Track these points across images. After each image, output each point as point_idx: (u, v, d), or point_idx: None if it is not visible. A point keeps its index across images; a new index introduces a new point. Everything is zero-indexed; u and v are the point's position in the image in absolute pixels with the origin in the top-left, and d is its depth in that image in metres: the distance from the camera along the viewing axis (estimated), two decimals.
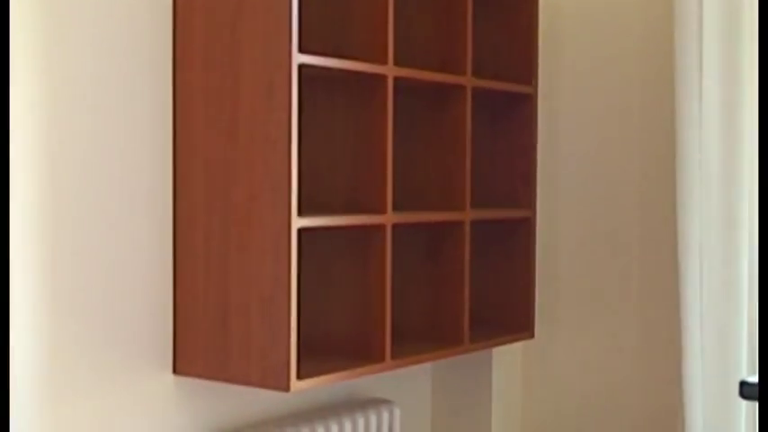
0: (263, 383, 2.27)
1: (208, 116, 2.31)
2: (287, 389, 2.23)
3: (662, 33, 2.90)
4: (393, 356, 2.53)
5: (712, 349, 2.65)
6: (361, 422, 2.75)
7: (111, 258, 2.27)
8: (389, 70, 2.45)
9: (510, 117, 2.98)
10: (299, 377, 2.27)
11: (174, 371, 2.41)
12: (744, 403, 2.66)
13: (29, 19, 2.08)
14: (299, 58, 2.21)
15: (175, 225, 2.38)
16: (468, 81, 2.71)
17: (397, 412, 2.88)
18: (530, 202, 2.99)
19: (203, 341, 2.35)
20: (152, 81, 2.33)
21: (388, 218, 2.47)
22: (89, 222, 2.22)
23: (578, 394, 3.13)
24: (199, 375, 2.37)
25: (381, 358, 2.49)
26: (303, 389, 2.26)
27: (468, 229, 2.74)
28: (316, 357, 2.48)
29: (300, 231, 2.61)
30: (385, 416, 2.84)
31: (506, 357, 3.16)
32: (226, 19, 2.27)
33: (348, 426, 2.71)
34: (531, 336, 3.01)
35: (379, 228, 2.47)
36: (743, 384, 2.02)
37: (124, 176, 2.28)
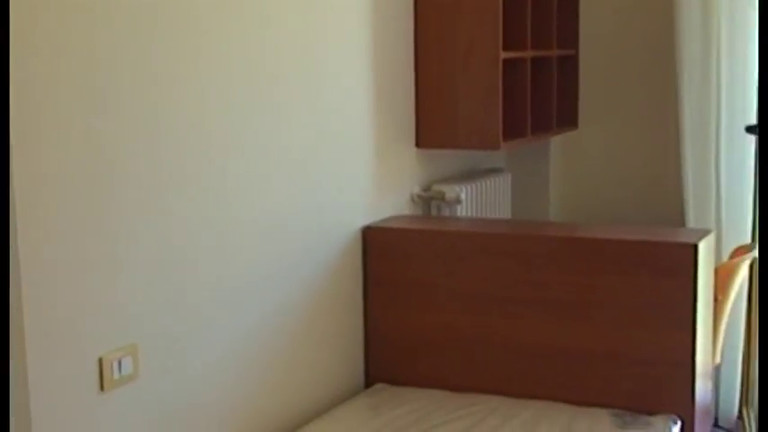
0: (481, 146, 4.08)
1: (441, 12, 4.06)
2: (498, 147, 4.05)
3: None
4: (532, 134, 4.38)
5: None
6: (490, 182, 4.59)
7: (388, 87, 4.00)
8: None
9: None
10: (503, 141, 4.09)
11: (417, 145, 4.18)
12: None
13: None
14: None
15: (417, 62, 4.11)
16: None
17: (509, 177, 4.74)
18: (576, 45, 4.84)
19: (437, 125, 4.12)
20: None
21: (528, 53, 4.29)
22: (381, 61, 3.95)
23: (602, 164, 5.03)
24: (434, 147, 4.16)
25: (526, 134, 4.33)
26: (507, 148, 4.09)
27: (555, 61, 4.58)
28: None
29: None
30: (502, 178, 4.68)
31: (557, 142, 5.05)
32: None
33: (486, 183, 4.54)
34: (576, 127, 4.91)
35: (523, 60, 4.28)
36: (747, 128, 3.98)
37: (387, 35, 4.00)
